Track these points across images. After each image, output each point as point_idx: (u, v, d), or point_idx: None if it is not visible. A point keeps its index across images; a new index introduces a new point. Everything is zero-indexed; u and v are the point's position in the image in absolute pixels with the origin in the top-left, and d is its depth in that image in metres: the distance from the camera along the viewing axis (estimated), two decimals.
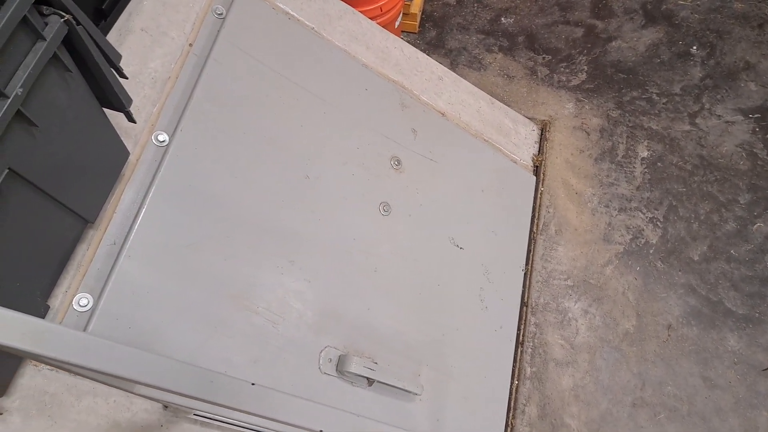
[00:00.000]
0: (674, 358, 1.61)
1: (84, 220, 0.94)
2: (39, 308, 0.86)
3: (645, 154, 1.90)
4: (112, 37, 1.16)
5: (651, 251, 1.76)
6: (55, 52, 0.72)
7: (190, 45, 1.24)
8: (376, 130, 1.42)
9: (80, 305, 0.94)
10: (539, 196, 1.81)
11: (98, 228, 0.99)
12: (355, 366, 1.17)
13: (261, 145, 1.22)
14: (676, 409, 1.55)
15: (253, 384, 0.51)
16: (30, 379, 0.89)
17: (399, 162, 1.44)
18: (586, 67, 2.07)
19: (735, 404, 1.55)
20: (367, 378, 1.21)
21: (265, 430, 1.08)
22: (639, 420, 1.53)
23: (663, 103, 2.00)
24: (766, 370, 1.59)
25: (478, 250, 1.53)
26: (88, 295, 0.95)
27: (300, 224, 1.23)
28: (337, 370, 1.19)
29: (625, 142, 1.92)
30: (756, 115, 1.96)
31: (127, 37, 1.16)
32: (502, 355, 1.52)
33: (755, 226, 1.78)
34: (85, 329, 0.93)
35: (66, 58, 0.76)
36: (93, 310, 0.94)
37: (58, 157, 0.80)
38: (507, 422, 1.52)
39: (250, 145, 1.20)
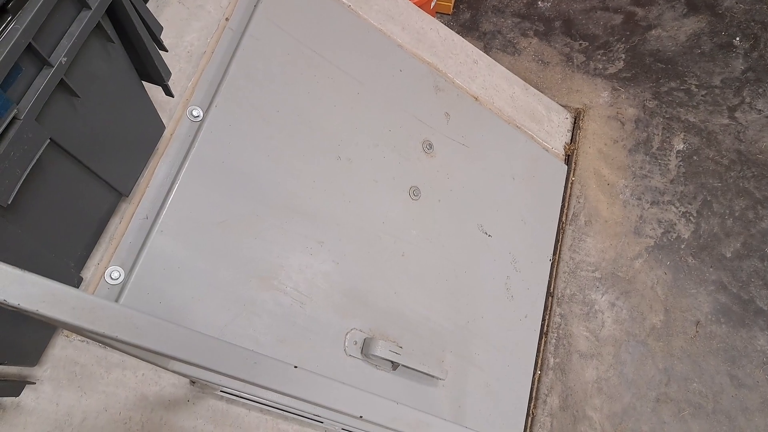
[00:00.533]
0: (701, 355, 1.58)
1: (118, 193, 0.94)
2: (73, 279, 0.87)
3: (681, 146, 1.85)
4: (149, 7, 1.15)
5: (682, 246, 1.72)
6: (99, 22, 0.71)
7: (227, 19, 1.22)
8: (408, 113, 1.40)
9: (112, 278, 0.94)
10: (570, 185, 1.77)
11: (131, 202, 0.99)
12: (380, 349, 1.16)
13: (294, 124, 1.20)
14: (700, 407, 1.52)
15: (296, 367, 0.50)
16: (61, 350, 0.90)
17: (431, 146, 1.42)
18: (623, 56, 2.01)
19: (762, 404, 1.52)
20: (392, 362, 1.20)
21: (292, 408, 1.08)
22: (662, 415, 1.51)
23: (702, 95, 1.93)
24: None
25: (506, 238, 1.51)
26: (120, 269, 0.95)
27: (330, 206, 1.21)
28: (362, 352, 1.19)
29: (660, 133, 1.87)
30: None
31: (164, 9, 1.15)
32: (526, 344, 1.50)
33: None
34: (116, 302, 0.93)
35: (109, 28, 0.75)
36: (124, 283, 0.94)
37: (96, 129, 0.79)
38: (528, 411, 1.51)
39: (283, 123, 1.19)
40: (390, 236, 1.29)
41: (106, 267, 0.95)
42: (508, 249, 1.51)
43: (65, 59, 0.67)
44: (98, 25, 0.72)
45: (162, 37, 1.11)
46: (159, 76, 0.88)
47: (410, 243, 1.32)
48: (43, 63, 0.65)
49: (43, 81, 0.64)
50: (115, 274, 0.95)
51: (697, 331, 1.61)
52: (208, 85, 1.14)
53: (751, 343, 1.59)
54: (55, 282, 0.41)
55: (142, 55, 0.84)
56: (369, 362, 1.20)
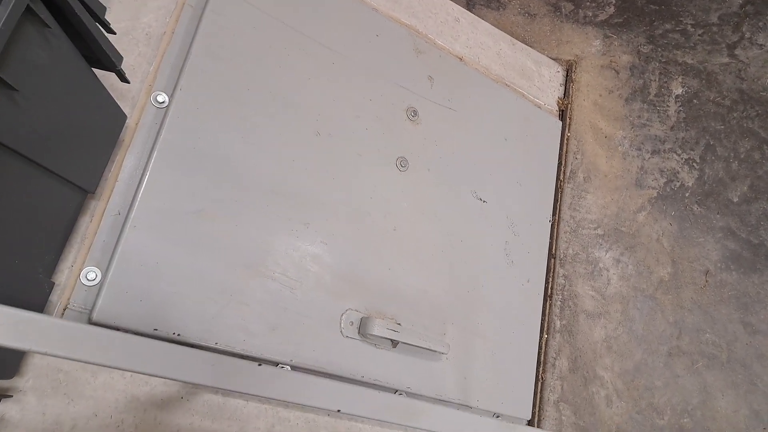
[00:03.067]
0: (712, 305, 1.54)
1: (84, 190, 0.89)
2: (42, 285, 0.83)
3: (679, 91, 1.77)
4: None
5: (687, 194, 1.66)
6: (28, 5, 0.65)
7: None
8: (389, 80, 1.33)
9: (88, 279, 0.90)
10: (566, 142, 1.71)
11: (100, 198, 0.94)
12: (378, 328, 1.13)
13: (267, 101, 1.14)
14: (714, 357, 1.49)
15: (260, 365, 0.45)
16: (42, 358, 0.86)
17: (415, 113, 1.35)
18: (614, 0, 1.91)
19: None
20: (391, 340, 1.17)
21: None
22: (676, 369, 1.48)
23: (699, 35, 1.84)
24: None
25: (502, 202, 1.46)
26: (96, 269, 0.91)
27: (313, 184, 1.16)
28: (359, 333, 1.15)
29: (657, 79, 1.79)
30: None
31: None
32: (531, 308, 1.46)
33: None
34: (94, 304, 0.89)
35: (42, 12, 0.68)
36: (101, 284, 0.90)
37: (46, 124, 0.74)
38: (537, 376, 1.48)
39: (256, 102, 1.13)
40: (379, 211, 1.24)
41: (81, 268, 0.91)
42: (505, 214, 1.45)
43: None
44: (29, 10, 0.66)
45: (115, 20, 1.05)
46: (109, 61, 0.82)
47: (401, 216, 1.27)
48: None
49: None
50: (91, 275, 0.91)
51: (706, 281, 1.56)
52: (171, 68, 1.07)
53: (763, 288, 1.54)
54: None
55: (87, 39, 0.78)
56: (368, 342, 1.16)
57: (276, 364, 1.04)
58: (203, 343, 0.96)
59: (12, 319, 0.40)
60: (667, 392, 1.45)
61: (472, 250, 1.37)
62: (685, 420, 1.41)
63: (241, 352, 1.03)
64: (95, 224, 0.93)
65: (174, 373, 0.41)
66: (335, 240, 1.16)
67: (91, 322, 0.89)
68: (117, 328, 0.88)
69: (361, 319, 1.16)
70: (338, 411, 0.49)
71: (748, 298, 1.53)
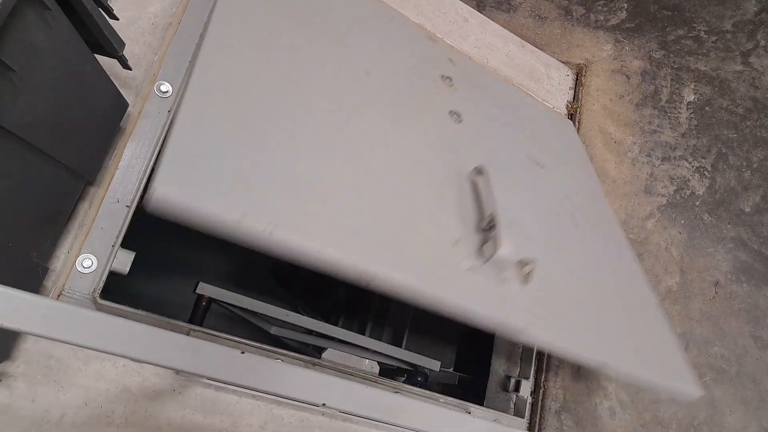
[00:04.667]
0: (722, 317, 1.50)
1: (83, 177, 0.88)
2: (36, 270, 0.82)
3: (691, 98, 1.74)
4: None
5: (697, 203, 1.62)
6: None
7: None
8: (415, 55, 1.29)
9: (84, 267, 0.89)
10: None
11: (100, 185, 0.94)
12: (504, 251, 0.96)
13: (281, 98, 1.13)
14: (723, 371, 1.45)
15: (243, 353, 0.44)
16: (34, 343, 0.85)
17: (450, 79, 1.31)
18: (626, 5, 1.89)
19: None
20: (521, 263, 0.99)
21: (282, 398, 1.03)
22: None
23: (712, 42, 1.82)
24: None
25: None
26: (92, 256, 0.90)
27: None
28: (486, 259, 0.98)
29: (669, 85, 1.76)
30: None
31: None
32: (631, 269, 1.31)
33: None
34: (92, 292, 0.88)
35: None
36: (98, 271, 0.89)
37: (43, 107, 0.73)
38: (539, 383, 1.45)
39: (270, 97, 1.12)
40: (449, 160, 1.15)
41: (77, 255, 0.90)
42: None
43: None
44: None
45: (122, 8, 1.05)
46: (111, 46, 0.82)
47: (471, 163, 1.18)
48: None
49: None
50: (87, 263, 0.90)
51: (716, 292, 1.52)
52: (177, 57, 1.07)
53: None
54: None
55: (88, 23, 0.78)
56: (491, 268, 0.99)
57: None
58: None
59: (6, 299, 0.39)
60: (673, 406, 1.41)
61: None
62: None
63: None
64: (93, 211, 0.92)
65: (155, 358, 0.40)
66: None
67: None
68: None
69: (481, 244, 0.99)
70: (323, 405, 0.48)
71: (759, 312, 1.49)
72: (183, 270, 3.22)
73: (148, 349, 0.41)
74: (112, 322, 0.44)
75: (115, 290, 1.03)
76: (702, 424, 1.40)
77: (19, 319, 0.56)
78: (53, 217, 0.86)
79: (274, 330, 1.80)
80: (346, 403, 0.53)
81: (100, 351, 0.48)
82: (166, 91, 1.03)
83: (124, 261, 0.93)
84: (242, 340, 1.02)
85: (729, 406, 1.42)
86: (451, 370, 1.90)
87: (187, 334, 0.99)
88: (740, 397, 1.43)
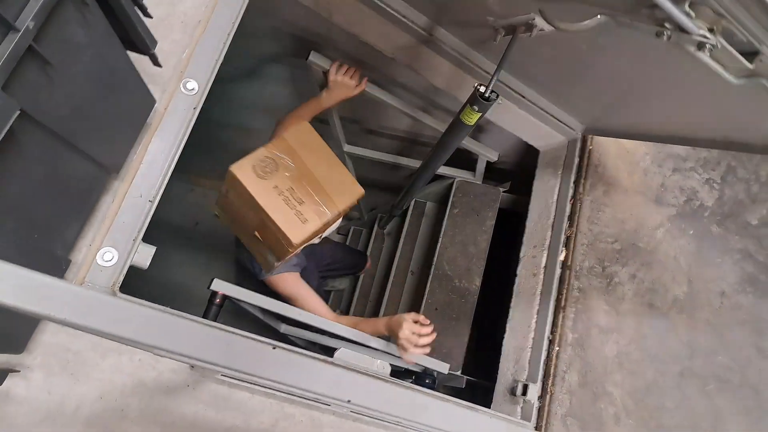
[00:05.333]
0: (727, 327, 1.52)
1: (107, 170, 0.89)
2: (59, 262, 0.83)
3: None
4: None
5: (706, 214, 1.64)
6: None
7: None
8: None
9: (104, 260, 0.90)
10: (587, 154, 1.69)
11: (124, 179, 0.94)
12: None
13: None
14: (727, 380, 1.46)
15: (274, 348, 0.45)
16: (52, 335, 0.86)
17: None
18: None
19: None
20: None
21: (299, 395, 1.04)
22: (687, 390, 1.45)
23: None
24: None
25: None
26: (113, 250, 0.90)
27: None
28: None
29: None
30: None
31: None
32: None
33: None
34: (112, 285, 0.89)
35: None
36: (118, 265, 0.90)
37: (76, 101, 0.74)
38: (546, 389, 1.46)
39: None
40: None
41: (98, 248, 0.91)
42: None
43: (33, 23, 0.61)
44: None
45: (154, 5, 1.05)
46: (144, 44, 0.83)
47: None
48: (9, 28, 0.59)
49: (9, 47, 0.59)
50: (108, 256, 0.90)
51: (722, 302, 1.54)
52: (204, 56, 1.07)
53: None
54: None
55: (123, 20, 0.78)
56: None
57: None
58: None
59: (33, 283, 0.40)
60: (677, 414, 1.43)
61: None
62: None
63: None
64: (116, 205, 0.93)
65: (188, 350, 0.41)
66: None
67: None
68: None
69: None
70: (348, 401, 0.48)
71: (764, 323, 1.51)
72: (194, 267, 3.23)
73: (180, 341, 0.42)
74: (143, 312, 0.44)
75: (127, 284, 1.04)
76: None
77: (46, 303, 0.57)
78: (78, 209, 0.87)
79: (283, 328, 1.81)
80: (370, 400, 0.54)
81: (129, 341, 0.49)
82: (192, 89, 1.04)
83: (144, 255, 0.93)
84: (262, 338, 1.03)
85: (732, 415, 1.44)
86: (459, 372, 1.92)
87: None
88: (743, 407, 1.45)
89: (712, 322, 1.52)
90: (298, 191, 1.29)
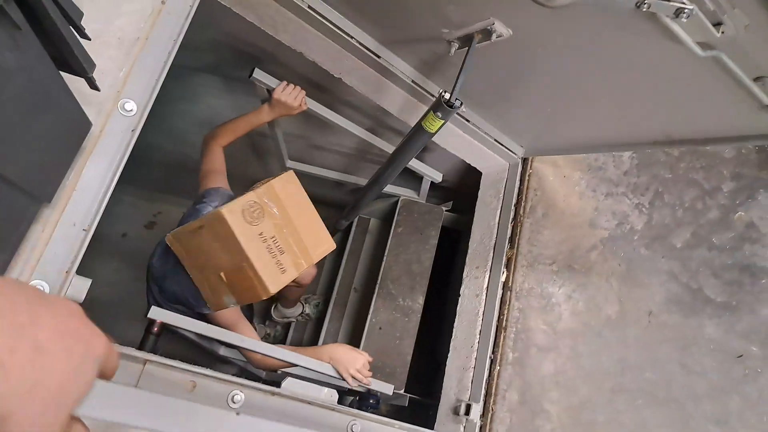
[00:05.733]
0: (654, 344, 1.61)
1: (38, 199, 0.83)
2: None
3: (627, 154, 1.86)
4: None
5: (635, 237, 1.74)
6: (1, 6, 0.61)
7: (163, 3, 1.11)
8: None
9: None
10: (527, 178, 1.76)
11: (56, 207, 0.89)
12: None
13: None
14: (653, 395, 1.55)
15: (238, 414, 0.43)
16: None
17: None
18: None
19: (710, 390, 1.56)
20: None
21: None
22: (618, 405, 1.53)
23: None
24: (740, 357, 1.61)
25: None
26: (44, 283, 0.85)
27: None
28: None
29: None
30: None
31: None
32: None
33: (737, 215, 1.78)
34: None
35: (14, 13, 0.64)
36: None
37: (4, 127, 0.69)
38: (487, 407, 1.49)
39: None
40: None
41: (28, 281, 0.85)
42: None
43: None
44: (0, 10, 0.62)
45: (87, 22, 0.99)
46: (81, 67, 0.78)
47: None
48: None
49: None
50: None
51: (650, 321, 1.63)
52: (144, 75, 1.03)
53: (700, 331, 1.63)
54: None
55: (59, 44, 0.74)
56: None
57: None
58: None
59: None
60: (609, 428, 1.50)
61: None
62: None
63: None
64: (47, 235, 0.87)
65: None
66: None
67: None
68: None
69: None
70: None
71: (686, 340, 1.61)
72: (122, 280, 3.08)
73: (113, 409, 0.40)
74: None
75: None
76: None
77: None
78: (4, 240, 0.81)
79: (222, 350, 1.75)
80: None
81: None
82: (131, 110, 0.99)
83: (79, 289, 0.88)
84: (198, 370, 0.99)
85: (657, 427, 1.52)
86: (402, 391, 1.93)
87: (143, 364, 0.95)
88: (668, 419, 1.54)
89: (641, 339, 1.61)
90: (280, 240, 1.30)
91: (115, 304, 2.52)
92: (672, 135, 1.28)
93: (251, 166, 2.81)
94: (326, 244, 1.41)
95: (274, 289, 1.27)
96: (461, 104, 1.29)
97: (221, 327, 1.44)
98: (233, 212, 1.24)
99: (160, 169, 3.05)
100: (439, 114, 1.32)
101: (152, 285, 1.56)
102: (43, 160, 0.81)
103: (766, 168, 1.85)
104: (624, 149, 1.38)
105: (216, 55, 2.01)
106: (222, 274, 1.32)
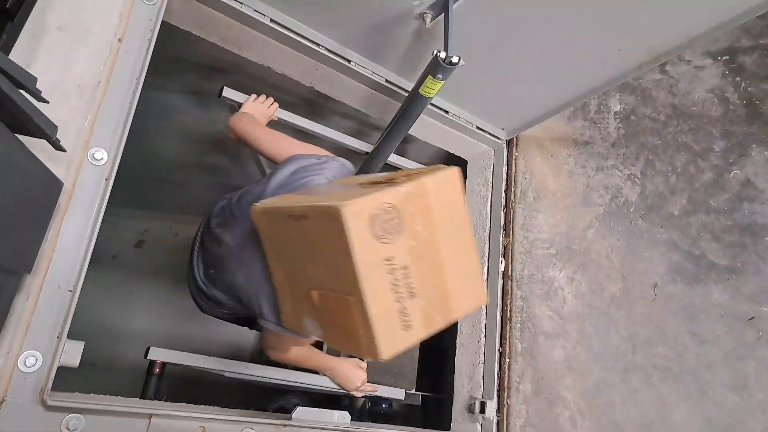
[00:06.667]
0: (662, 318, 1.60)
1: (17, 272, 0.81)
2: None
3: (617, 108, 1.84)
4: (23, 41, 0.99)
5: (631, 210, 1.72)
6: None
7: (120, 41, 1.07)
8: None
9: (27, 366, 0.82)
10: (514, 161, 1.73)
11: (37, 273, 0.86)
12: None
13: None
14: (667, 369, 1.55)
15: None
16: None
17: None
18: None
19: (724, 357, 1.55)
20: None
21: None
22: (633, 384, 1.52)
23: None
24: (751, 319, 1.60)
25: None
26: (36, 353, 0.83)
27: None
28: None
29: (596, 97, 1.84)
30: (725, 57, 1.91)
31: (42, 40, 0.99)
32: None
33: (731, 174, 1.76)
34: (40, 392, 0.82)
35: None
36: (44, 368, 0.82)
37: None
38: (502, 401, 1.49)
39: None
40: None
41: (18, 354, 0.83)
42: None
43: None
44: None
45: (43, 72, 0.97)
46: (41, 132, 0.75)
47: None
48: None
49: None
50: (31, 360, 0.83)
51: (655, 294, 1.62)
52: (110, 120, 1.00)
53: (707, 298, 1.62)
54: None
55: (16, 113, 0.71)
56: None
57: None
58: None
59: None
60: (626, 408, 1.49)
61: None
62: None
63: None
64: (32, 303, 0.85)
65: None
66: None
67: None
68: None
69: None
70: None
71: (694, 309, 1.60)
72: (115, 304, 3.06)
73: None
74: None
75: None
76: (653, 421, 1.49)
77: None
78: None
79: (228, 374, 1.74)
80: None
81: None
82: (101, 159, 0.96)
83: (73, 353, 0.86)
84: (205, 414, 0.98)
85: (675, 402, 1.52)
86: (413, 390, 1.92)
87: (149, 419, 0.93)
88: (684, 393, 1.53)
89: (649, 314, 1.60)
90: (414, 276, 0.80)
91: (110, 326, 2.50)
92: (655, 48, 1.27)
93: (232, 176, 2.78)
94: (477, 296, 0.91)
95: (387, 354, 0.78)
96: (460, 59, 1.22)
97: (269, 342, 1.21)
98: (359, 216, 0.74)
99: (140, 187, 3.01)
100: (439, 76, 1.27)
101: (201, 261, 1.23)
102: (16, 233, 0.78)
103: (756, 122, 1.83)
104: (611, 85, 1.39)
105: (184, 73, 1.98)
106: (314, 292, 0.88)
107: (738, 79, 1.88)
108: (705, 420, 1.49)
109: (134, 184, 2.93)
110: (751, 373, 1.52)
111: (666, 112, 1.84)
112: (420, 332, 0.81)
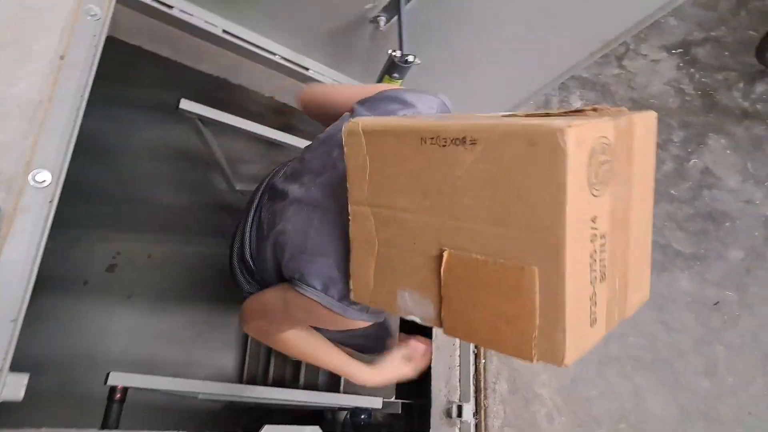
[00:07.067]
0: None
1: None
2: None
3: (579, 104, 1.85)
4: None
5: None
6: None
7: (62, 58, 1.04)
8: None
9: None
10: None
11: None
12: None
13: None
14: (640, 359, 1.56)
15: None
16: None
17: None
18: None
19: (694, 344, 1.57)
20: None
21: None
22: (608, 376, 1.53)
23: None
24: (716, 304, 1.62)
25: None
26: None
27: None
28: None
29: (558, 94, 1.86)
30: (679, 50, 1.94)
31: None
32: None
33: (691, 163, 1.79)
34: None
35: None
36: None
37: None
38: (479, 403, 1.48)
39: None
40: None
41: None
42: None
43: None
44: None
45: None
46: None
47: None
48: None
49: None
50: None
51: None
52: (53, 140, 0.96)
53: (674, 286, 1.64)
54: None
55: None
56: None
57: None
58: None
59: None
60: (604, 401, 1.49)
61: None
62: (621, 426, 1.46)
63: None
64: None
65: None
66: None
67: None
68: None
69: None
70: None
71: (662, 298, 1.61)
72: (87, 333, 2.95)
73: None
74: None
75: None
76: (630, 412, 1.49)
77: None
78: None
79: (202, 396, 1.69)
80: None
81: None
82: (44, 180, 0.92)
83: (15, 386, 0.82)
84: None
85: (650, 391, 1.53)
86: (392, 398, 1.89)
87: None
88: (657, 381, 1.54)
89: None
90: (609, 250, 0.55)
91: (83, 356, 2.42)
92: (605, 36, 1.30)
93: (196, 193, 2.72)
94: (645, 289, 0.68)
95: (571, 359, 0.50)
96: (415, 58, 1.20)
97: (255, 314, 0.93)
98: (582, 146, 0.46)
99: (106, 206, 2.92)
100: (396, 75, 1.25)
101: (255, 229, 0.98)
102: None
103: (711, 111, 1.86)
104: (564, 77, 1.40)
105: (137, 86, 1.93)
106: (446, 254, 0.58)
107: (692, 70, 1.92)
108: (679, 408, 1.50)
109: (104, 205, 2.85)
110: (721, 357, 1.54)
111: (626, 105, 1.86)
112: (601, 331, 0.57)
